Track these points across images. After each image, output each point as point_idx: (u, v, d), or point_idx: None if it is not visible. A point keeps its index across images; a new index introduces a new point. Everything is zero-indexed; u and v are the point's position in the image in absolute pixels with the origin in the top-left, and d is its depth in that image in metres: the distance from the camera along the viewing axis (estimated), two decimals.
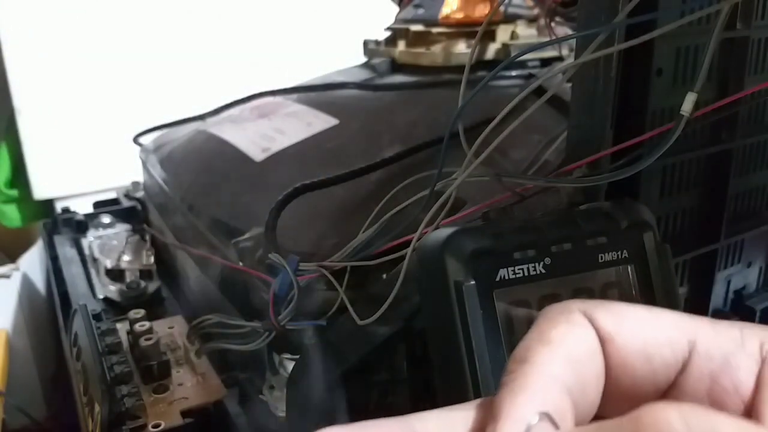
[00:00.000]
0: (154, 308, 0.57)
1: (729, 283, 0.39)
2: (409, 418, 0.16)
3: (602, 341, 0.16)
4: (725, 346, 0.16)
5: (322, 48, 1.02)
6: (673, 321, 0.17)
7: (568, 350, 0.16)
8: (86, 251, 0.69)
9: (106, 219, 0.74)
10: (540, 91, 0.28)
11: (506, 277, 0.24)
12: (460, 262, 0.24)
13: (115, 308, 0.58)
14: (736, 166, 0.36)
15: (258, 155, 0.53)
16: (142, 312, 0.50)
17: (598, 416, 0.16)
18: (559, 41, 0.50)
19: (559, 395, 0.15)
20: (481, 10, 0.57)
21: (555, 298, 0.25)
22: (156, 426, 0.40)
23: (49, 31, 0.97)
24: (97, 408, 0.40)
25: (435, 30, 0.58)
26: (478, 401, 0.17)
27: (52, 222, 0.75)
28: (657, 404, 0.13)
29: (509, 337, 0.24)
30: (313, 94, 0.63)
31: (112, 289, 0.60)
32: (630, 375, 0.16)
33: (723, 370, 0.16)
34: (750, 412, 0.16)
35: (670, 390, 0.16)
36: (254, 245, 0.42)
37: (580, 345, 0.16)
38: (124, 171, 0.80)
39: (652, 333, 0.16)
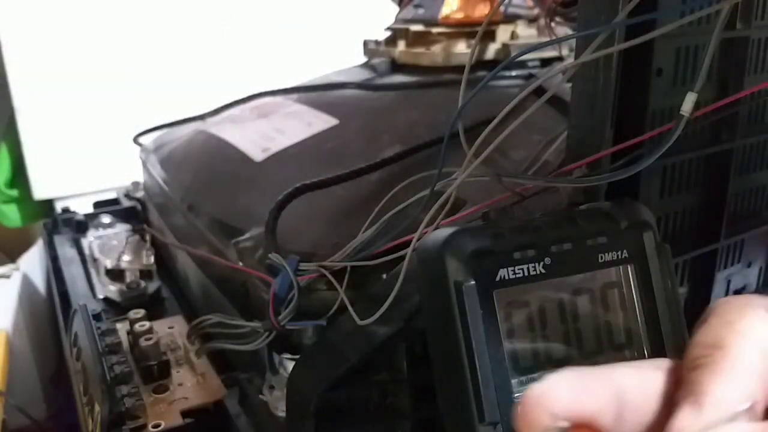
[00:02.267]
0: (154, 308, 0.57)
1: (729, 283, 0.39)
2: (612, 372, 0.17)
3: None
4: None
5: (322, 48, 1.02)
6: None
7: (760, 341, 0.16)
8: (86, 251, 0.69)
9: (106, 219, 0.74)
10: (540, 91, 0.28)
11: (506, 277, 0.24)
12: (460, 262, 0.24)
13: (115, 308, 0.58)
14: (736, 166, 0.36)
15: (258, 155, 0.53)
16: (142, 312, 0.50)
17: None
18: (559, 41, 0.50)
19: (758, 385, 0.16)
20: (481, 10, 0.57)
21: (555, 297, 0.25)
22: (156, 426, 0.40)
23: (49, 31, 0.97)
24: (97, 408, 0.40)
25: (435, 30, 0.58)
26: (656, 363, 0.18)
27: (52, 222, 0.75)
28: None
29: (509, 337, 0.24)
30: (313, 94, 0.63)
31: (112, 289, 0.60)
32: None
33: None
34: None
35: None
36: (254, 245, 0.42)
37: None
38: (124, 171, 0.80)
39: None
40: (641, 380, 0.17)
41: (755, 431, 0.15)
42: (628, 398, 0.17)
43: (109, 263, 0.62)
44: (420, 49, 0.59)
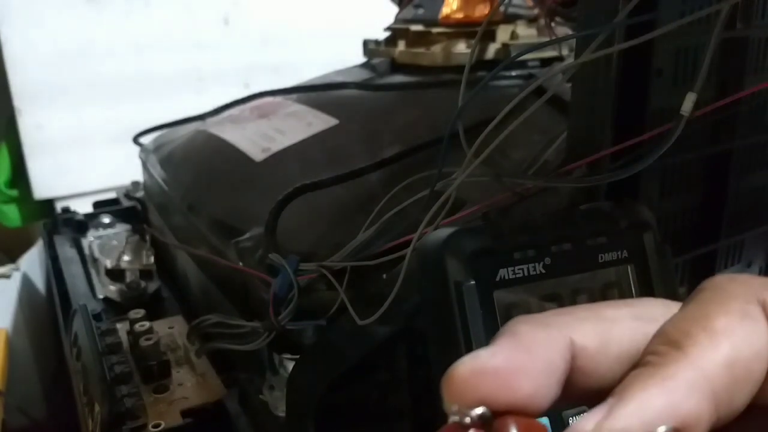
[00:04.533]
0: (154, 308, 0.57)
1: None
2: (568, 331, 0.15)
3: None
4: None
5: (322, 48, 1.02)
6: None
7: (732, 349, 0.13)
8: (86, 251, 0.69)
9: (106, 219, 0.74)
10: (540, 91, 0.28)
11: (506, 277, 0.24)
12: (460, 262, 0.24)
13: (115, 308, 0.58)
14: (736, 166, 0.36)
15: (258, 155, 0.53)
16: (142, 312, 0.50)
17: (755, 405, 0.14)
18: (559, 41, 0.50)
19: (703, 404, 0.13)
20: (481, 10, 0.57)
21: (555, 298, 0.25)
22: (156, 426, 0.40)
23: (49, 31, 0.97)
24: (97, 408, 0.40)
25: (435, 30, 0.58)
26: (642, 310, 0.16)
27: (52, 222, 0.75)
28: None
29: None
30: (313, 94, 0.63)
31: (112, 289, 0.60)
32: None
33: None
34: None
35: None
36: (254, 245, 0.42)
37: (747, 346, 0.14)
38: (124, 171, 0.80)
39: None
40: (604, 339, 0.15)
41: None
42: (579, 364, 0.15)
43: (109, 263, 0.62)
44: (420, 49, 0.59)
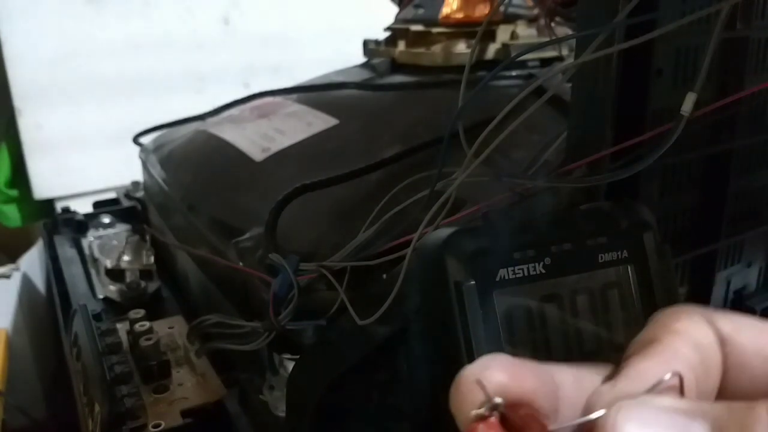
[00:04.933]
0: (154, 308, 0.57)
1: (729, 283, 0.39)
2: (548, 367, 0.17)
3: (720, 342, 0.17)
4: None
5: (322, 48, 1.02)
6: None
7: (693, 338, 0.17)
8: (86, 251, 0.69)
9: (106, 219, 0.74)
10: (540, 91, 0.28)
11: (506, 277, 0.24)
12: (460, 262, 0.24)
13: (115, 308, 0.58)
14: (736, 166, 0.36)
15: (258, 155, 0.53)
16: (142, 312, 0.50)
17: None
18: (559, 41, 0.50)
19: (688, 372, 0.16)
20: (481, 10, 0.57)
21: (555, 298, 0.25)
22: (156, 426, 0.40)
23: (49, 31, 0.97)
24: (97, 408, 0.40)
25: (435, 30, 0.58)
26: (596, 367, 0.18)
27: (52, 222, 0.75)
28: None
29: (509, 337, 0.24)
30: (313, 94, 0.63)
31: (112, 289, 0.60)
32: (748, 375, 0.17)
33: None
34: None
35: None
36: (254, 245, 0.42)
37: (704, 337, 0.17)
38: (124, 171, 0.80)
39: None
40: (578, 378, 0.18)
41: (674, 405, 0.15)
42: (564, 393, 0.17)
43: (109, 263, 0.62)
44: (420, 49, 0.59)
